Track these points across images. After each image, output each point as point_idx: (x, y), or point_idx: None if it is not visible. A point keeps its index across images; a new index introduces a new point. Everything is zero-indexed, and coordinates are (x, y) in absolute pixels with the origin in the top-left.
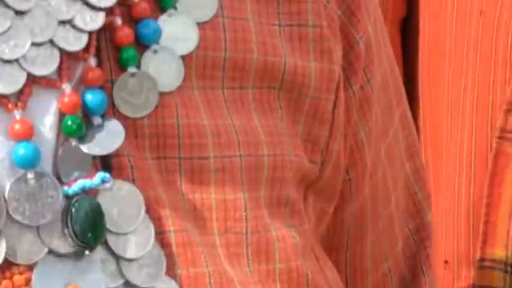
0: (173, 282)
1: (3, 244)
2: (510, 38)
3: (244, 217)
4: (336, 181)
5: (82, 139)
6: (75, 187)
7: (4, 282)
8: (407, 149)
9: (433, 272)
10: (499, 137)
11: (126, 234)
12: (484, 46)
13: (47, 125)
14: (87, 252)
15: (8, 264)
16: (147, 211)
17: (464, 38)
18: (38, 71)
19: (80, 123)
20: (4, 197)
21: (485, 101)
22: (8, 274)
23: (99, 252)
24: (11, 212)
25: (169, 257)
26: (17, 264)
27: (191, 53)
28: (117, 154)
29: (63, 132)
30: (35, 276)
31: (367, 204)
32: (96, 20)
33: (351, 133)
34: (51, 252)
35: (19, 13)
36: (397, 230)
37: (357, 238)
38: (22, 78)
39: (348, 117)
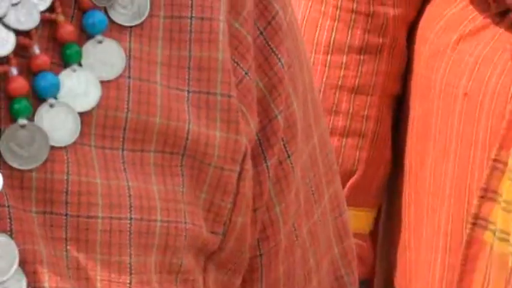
0: None
1: None
2: (491, 123)
3: (128, 281)
4: (241, 254)
5: None
6: None
7: None
8: (337, 230)
9: None
10: (473, 223)
11: None
12: (466, 130)
13: None
14: None
15: None
16: (22, 265)
17: (448, 120)
18: None
19: None
20: None
21: (463, 186)
22: None
23: None
24: None
25: None
26: None
27: (91, 110)
28: None
29: None
30: None
31: (280, 282)
32: None
33: (263, 208)
34: None
35: None
36: None
37: None
38: None
39: (260, 192)
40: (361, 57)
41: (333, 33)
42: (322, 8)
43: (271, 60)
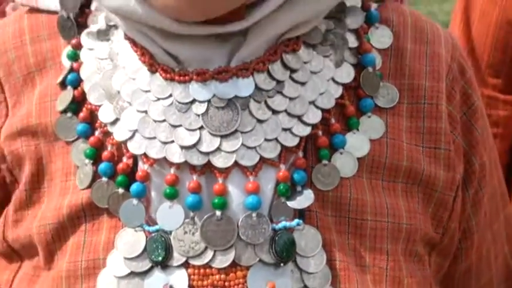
0: None
1: (233, 252)
2: None
3: (386, 259)
4: (451, 247)
5: (288, 198)
6: (280, 225)
7: (231, 274)
8: (507, 236)
9: None
10: None
11: (308, 257)
12: None
13: (268, 187)
14: (282, 264)
15: (235, 265)
16: (324, 246)
17: None
18: (267, 155)
19: (287, 189)
20: (237, 224)
21: None
22: (233, 270)
23: (290, 266)
24: (240, 234)
25: (334, 276)
26: (240, 266)
27: (364, 157)
28: (309, 210)
29: (278, 193)
30: (249, 274)
31: (473, 266)
32: (305, 131)
33: (464, 220)
34: (260, 261)
35: (259, 121)
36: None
37: (464, 286)
38: (256, 159)
39: (463, 209)
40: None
41: None
42: None
43: (472, 130)
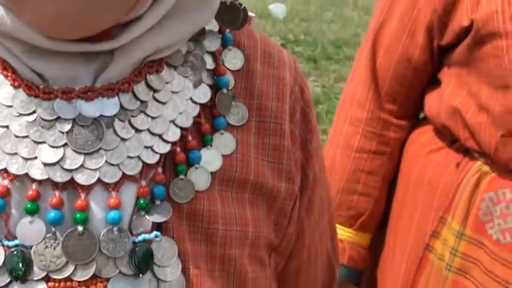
0: None
1: (94, 266)
2: (442, 198)
3: (233, 263)
4: (288, 248)
5: (148, 212)
6: (139, 238)
7: (91, 286)
8: (330, 235)
9: None
10: (424, 249)
11: (164, 267)
12: (427, 200)
13: (129, 202)
14: (141, 275)
15: (95, 277)
16: (179, 255)
17: (420, 194)
18: (128, 172)
19: (147, 203)
20: (99, 239)
21: (422, 229)
22: (94, 282)
23: (148, 275)
24: (101, 248)
25: (187, 282)
26: (100, 277)
27: (216, 171)
28: (166, 222)
29: (138, 207)
30: (109, 285)
31: (303, 262)
32: (165, 148)
33: (299, 223)
34: (120, 273)
35: (123, 139)
36: (319, 279)
37: (294, 279)
38: (119, 175)
39: (299, 215)
40: (374, 156)
41: (360, 142)
42: (356, 128)
43: (308, 145)
